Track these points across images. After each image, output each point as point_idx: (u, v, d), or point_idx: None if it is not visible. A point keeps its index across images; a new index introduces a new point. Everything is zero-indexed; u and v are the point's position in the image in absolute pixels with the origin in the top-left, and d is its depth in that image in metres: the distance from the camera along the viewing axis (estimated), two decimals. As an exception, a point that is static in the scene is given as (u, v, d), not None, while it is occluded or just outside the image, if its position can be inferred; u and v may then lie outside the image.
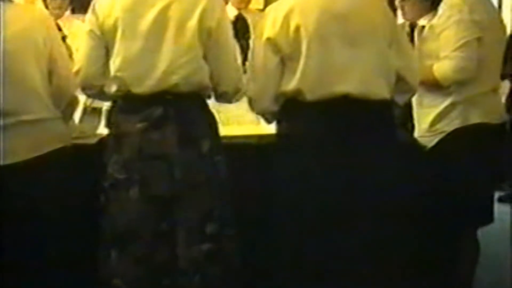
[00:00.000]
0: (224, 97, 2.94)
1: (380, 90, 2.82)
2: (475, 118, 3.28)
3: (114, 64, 2.80)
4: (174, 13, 2.75)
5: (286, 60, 2.83)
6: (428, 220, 3.17)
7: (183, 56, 2.75)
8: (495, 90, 3.43)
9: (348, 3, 2.83)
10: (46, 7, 5.00)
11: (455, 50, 3.19)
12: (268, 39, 2.82)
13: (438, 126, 3.29)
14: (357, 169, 2.77)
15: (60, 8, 5.03)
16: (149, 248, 2.78)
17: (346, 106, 2.77)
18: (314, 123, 2.79)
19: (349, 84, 2.76)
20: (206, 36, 2.78)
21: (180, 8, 2.75)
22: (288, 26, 2.79)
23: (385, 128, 2.88)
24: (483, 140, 3.28)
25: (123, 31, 2.76)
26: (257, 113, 3.03)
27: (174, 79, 2.75)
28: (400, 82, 2.90)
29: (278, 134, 2.96)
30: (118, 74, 2.78)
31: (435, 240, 3.27)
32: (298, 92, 2.79)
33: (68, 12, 5.27)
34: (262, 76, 2.87)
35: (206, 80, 2.83)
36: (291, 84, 2.80)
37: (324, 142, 2.77)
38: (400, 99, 2.98)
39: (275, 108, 2.90)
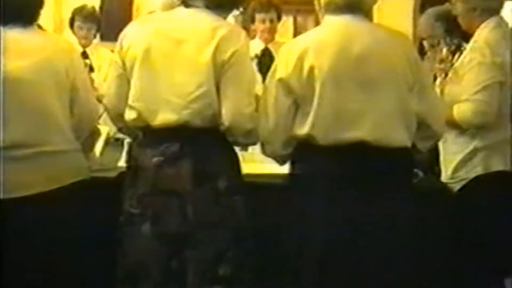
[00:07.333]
0: (230, 136, 2.78)
1: (398, 136, 2.71)
2: (497, 165, 3.19)
3: (131, 94, 2.77)
4: (189, 47, 2.70)
5: (299, 102, 2.73)
6: (449, 270, 3.08)
7: (195, 90, 2.69)
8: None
9: (367, 45, 2.69)
10: (75, 35, 5.05)
11: (475, 93, 3.11)
12: (280, 79, 2.71)
13: (460, 173, 3.22)
14: (369, 215, 2.67)
15: (86, 37, 5.06)
16: (158, 286, 2.73)
17: (360, 152, 2.66)
18: (327, 167, 2.69)
19: (363, 130, 2.65)
20: (220, 69, 2.69)
21: (196, 42, 2.70)
22: (302, 67, 2.66)
23: (401, 175, 2.77)
24: (504, 189, 3.16)
25: (140, 63, 2.74)
26: (268, 156, 2.89)
27: (186, 113, 2.69)
28: (423, 128, 2.80)
29: (290, 175, 2.85)
30: (133, 104, 2.76)
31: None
32: (310, 137, 2.69)
33: (97, 40, 5.29)
34: (273, 118, 2.74)
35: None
36: (303, 129, 2.70)
37: (336, 186, 2.67)
38: (423, 145, 2.88)
39: (285, 151, 2.80)
